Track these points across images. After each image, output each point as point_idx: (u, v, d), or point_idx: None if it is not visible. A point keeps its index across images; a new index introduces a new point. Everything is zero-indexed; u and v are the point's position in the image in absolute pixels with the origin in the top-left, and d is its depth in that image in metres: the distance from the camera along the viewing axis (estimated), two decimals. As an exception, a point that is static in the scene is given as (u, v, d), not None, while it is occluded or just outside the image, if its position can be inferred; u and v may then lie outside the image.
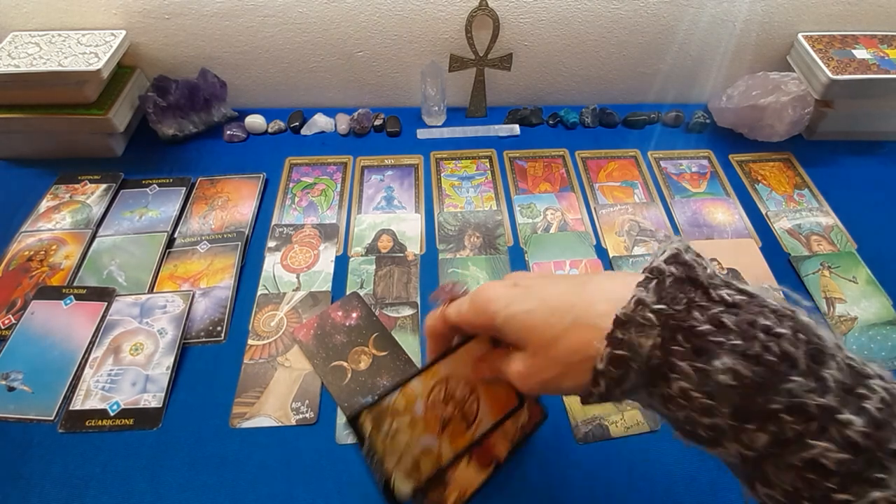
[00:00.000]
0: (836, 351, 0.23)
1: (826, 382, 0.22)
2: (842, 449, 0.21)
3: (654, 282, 0.26)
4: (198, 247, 0.62)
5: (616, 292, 0.27)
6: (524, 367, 0.30)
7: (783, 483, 0.23)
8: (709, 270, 0.26)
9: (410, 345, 0.53)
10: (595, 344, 0.26)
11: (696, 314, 0.24)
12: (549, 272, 0.32)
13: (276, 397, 0.49)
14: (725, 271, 0.60)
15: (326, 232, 0.64)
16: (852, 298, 0.58)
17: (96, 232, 0.63)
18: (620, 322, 0.25)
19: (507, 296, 0.31)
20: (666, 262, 0.26)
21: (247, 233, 0.64)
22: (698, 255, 0.27)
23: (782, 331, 0.23)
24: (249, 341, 0.54)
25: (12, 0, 0.70)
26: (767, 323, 0.23)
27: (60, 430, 0.47)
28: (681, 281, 0.26)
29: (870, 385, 0.23)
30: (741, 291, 0.25)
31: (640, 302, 0.25)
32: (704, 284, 0.25)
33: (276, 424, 0.48)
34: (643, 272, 0.27)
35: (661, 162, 0.75)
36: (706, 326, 0.24)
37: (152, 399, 0.49)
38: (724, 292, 0.25)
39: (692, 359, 0.24)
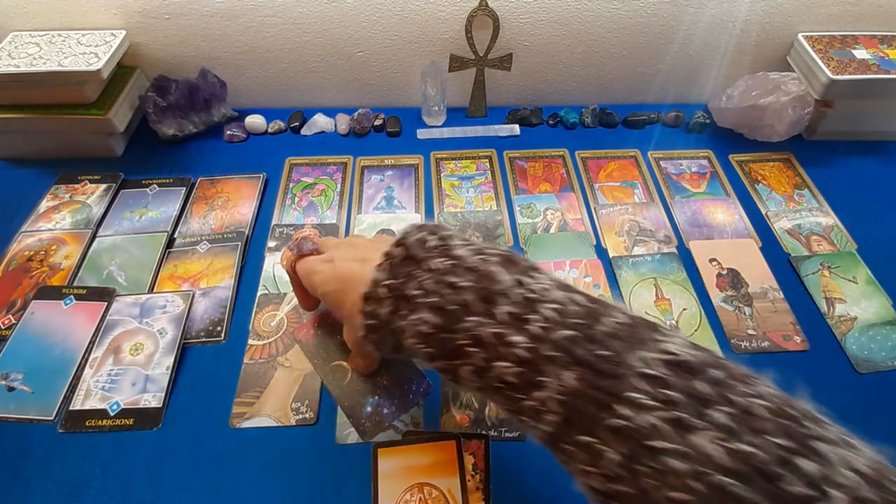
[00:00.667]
0: (512, 288, 0.29)
1: (495, 316, 0.28)
2: (515, 364, 0.27)
3: (388, 262, 0.33)
4: (198, 247, 0.62)
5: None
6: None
7: (500, 404, 0.29)
8: (430, 243, 0.32)
9: (410, 345, 0.53)
10: (357, 314, 0.33)
11: (410, 284, 0.31)
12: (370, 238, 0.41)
13: (276, 397, 0.49)
14: (725, 271, 0.60)
15: (326, 232, 0.64)
16: (852, 298, 0.58)
17: (96, 232, 0.63)
18: (366, 298, 0.33)
19: (321, 273, 0.38)
20: (396, 245, 0.33)
21: (247, 233, 0.64)
22: (426, 232, 0.33)
23: (463, 284, 0.29)
24: (249, 341, 0.54)
25: (12, 0, 0.70)
26: (453, 280, 0.30)
27: (60, 430, 0.47)
28: (405, 259, 0.32)
29: (539, 309, 0.28)
30: (451, 257, 0.31)
31: (375, 282, 0.32)
32: (419, 259, 0.32)
33: (275, 424, 0.48)
34: (382, 255, 0.33)
35: (661, 162, 0.75)
36: (414, 291, 0.31)
37: (152, 399, 0.49)
38: (435, 262, 0.31)
39: (406, 317, 0.31)
